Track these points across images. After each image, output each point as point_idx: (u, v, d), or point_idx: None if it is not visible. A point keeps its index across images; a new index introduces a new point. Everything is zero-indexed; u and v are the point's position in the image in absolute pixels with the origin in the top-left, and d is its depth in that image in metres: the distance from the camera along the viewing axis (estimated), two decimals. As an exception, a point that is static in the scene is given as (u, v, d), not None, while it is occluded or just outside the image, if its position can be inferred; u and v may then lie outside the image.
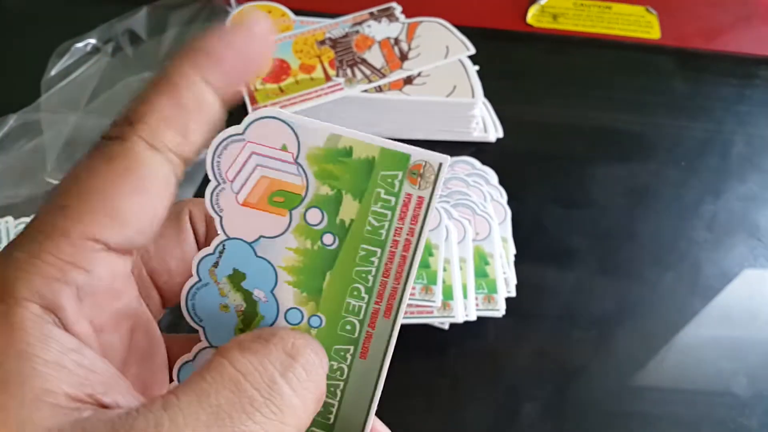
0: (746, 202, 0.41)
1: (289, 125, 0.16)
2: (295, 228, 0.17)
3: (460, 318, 0.33)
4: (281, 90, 0.39)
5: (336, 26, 0.43)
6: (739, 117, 0.46)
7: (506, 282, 0.35)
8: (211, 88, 0.15)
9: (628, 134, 0.45)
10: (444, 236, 0.34)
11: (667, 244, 0.39)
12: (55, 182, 0.36)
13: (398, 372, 0.34)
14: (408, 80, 0.41)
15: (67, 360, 0.13)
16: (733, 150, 0.44)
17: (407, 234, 0.17)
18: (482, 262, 0.35)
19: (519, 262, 0.36)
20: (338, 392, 0.18)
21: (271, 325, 0.17)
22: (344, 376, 0.18)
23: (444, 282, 0.33)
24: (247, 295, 0.17)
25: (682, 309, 0.37)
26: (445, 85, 0.40)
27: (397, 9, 0.45)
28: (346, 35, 0.43)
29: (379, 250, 0.17)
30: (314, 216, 0.17)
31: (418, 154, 0.16)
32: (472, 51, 0.42)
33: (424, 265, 0.33)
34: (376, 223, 0.17)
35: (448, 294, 0.33)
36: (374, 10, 0.44)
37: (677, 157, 0.43)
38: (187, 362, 0.18)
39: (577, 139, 0.44)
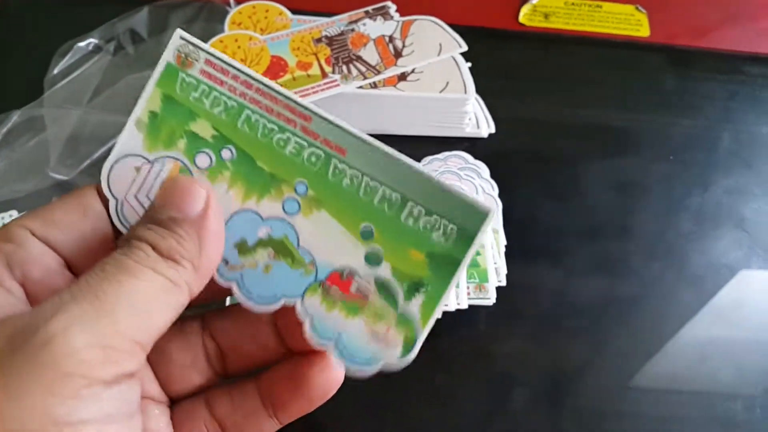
0: (733, 195, 0.42)
1: (117, 160, 0.19)
2: (209, 176, 0.19)
3: (452, 306, 0.34)
4: (278, 87, 0.40)
5: (332, 25, 0.44)
6: (727, 113, 0.47)
7: (497, 271, 0.36)
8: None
9: (617, 130, 0.45)
10: (436, 227, 0.35)
11: (656, 237, 0.40)
12: (59, 177, 0.37)
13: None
14: (402, 77, 0.41)
15: None
16: (721, 145, 0.45)
17: (240, 84, 0.19)
18: (474, 252, 0.36)
19: (509, 253, 0.37)
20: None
21: None
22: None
23: (436, 271, 0.34)
24: None
25: (669, 299, 0.37)
26: (438, 81, 0.41)
27: (392, 8, 0.46)
28: (342, 33, 0.44)
29: (254, 116, 0.19)
30: (202, 160, 0.19)
31: (167, 56, 0.19)
32: (465, 48, 0.43)
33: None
34: (223, 109, 0.19)
35: (440, 283, 0.34)
36: (369, 8, 0.45)
37: (666, 152, 0.44)
38: None
39: (567, 135, 0.45)
